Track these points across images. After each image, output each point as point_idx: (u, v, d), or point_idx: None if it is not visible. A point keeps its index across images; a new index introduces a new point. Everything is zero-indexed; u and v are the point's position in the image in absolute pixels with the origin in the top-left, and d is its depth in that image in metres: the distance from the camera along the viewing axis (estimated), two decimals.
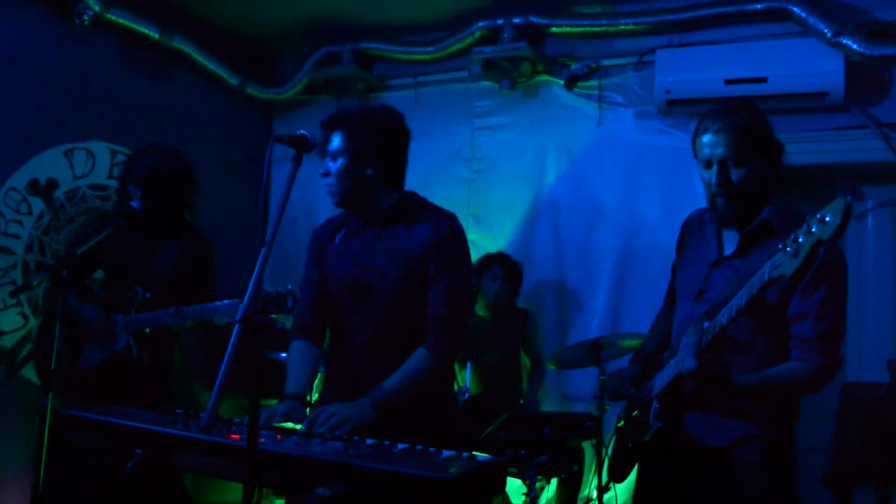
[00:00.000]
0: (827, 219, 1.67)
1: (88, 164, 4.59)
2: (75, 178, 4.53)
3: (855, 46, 3.90)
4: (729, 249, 2.26)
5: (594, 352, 3.80)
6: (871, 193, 4.37)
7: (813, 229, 1.69)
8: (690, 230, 2.48)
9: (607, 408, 3.74)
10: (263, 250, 1.75)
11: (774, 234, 2.14)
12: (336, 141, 2.40)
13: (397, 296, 2.39)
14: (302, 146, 2.01)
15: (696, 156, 2.29)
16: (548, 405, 4.66)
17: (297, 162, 2.01)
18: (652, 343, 2.60)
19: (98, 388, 3.25)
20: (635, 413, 2.44)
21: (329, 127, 2.42)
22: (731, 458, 2.17)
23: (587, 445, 4.04)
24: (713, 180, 2.17)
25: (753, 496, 2.14)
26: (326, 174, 2.41)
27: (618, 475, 2.52)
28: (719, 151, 2.16)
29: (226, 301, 3.00)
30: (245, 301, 1.61)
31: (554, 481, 3.96)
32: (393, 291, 2.39)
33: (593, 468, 3.92)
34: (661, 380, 2.27)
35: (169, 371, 3.41)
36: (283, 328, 1.68)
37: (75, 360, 3.29)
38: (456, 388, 4.22)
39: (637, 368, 2.50)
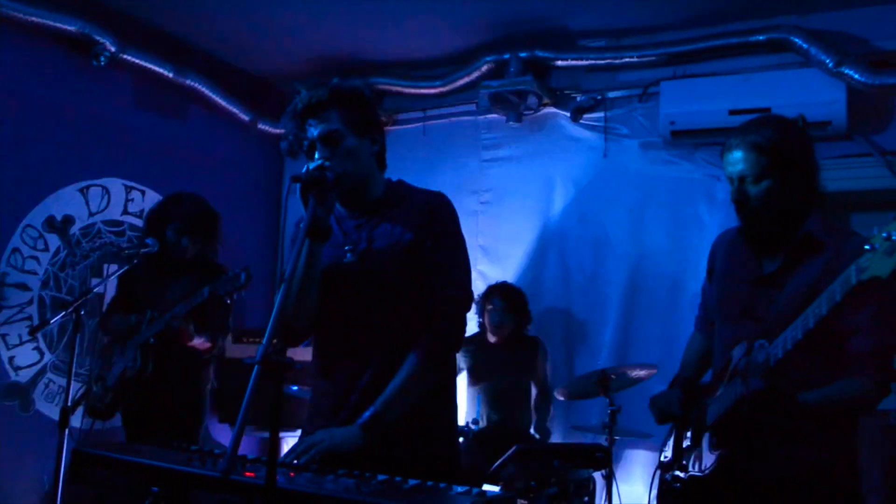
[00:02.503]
0: None
1: (104, 201, 4.68)
2: (91, 214, 4.61)
3: (857, 76, 3.96)
4: (769, 266, 2.21)
5: (603, 382, 3.82)
6: (876, 220, 4.38)
7: None
8: (722, 250, 2.42)
9: (616, 438, 3.75)
10: (283, 286, 1.77)
11: (820, 249, 2.11)
12: (333, 120, 2.12)
13: (388, 291, 2.15)
14: (321, 183, 2.01)
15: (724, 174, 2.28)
16: (555, 435, 4.67)
17: (319, 199, 1.99)
18: (688, 369, 2.53)
19: (115, 403, 3.51)
20: (686, 444, 2.35)
21: (316, 110, 2.13)
22: (794, 487, 2.07)
23: (597, 476, 4.05)
24: (734, 197, 2.18)
25: None
26: (328, 159, 2.06)
27: None
28: (737, 169, 2.17)
29: (206, 289, 3.26)
30: (264, 341, 1.65)
31: None
32: (383, 286, 2.15)
33: (603, 499, 3.92)
34: (716, 407, 2.17)
35: (179, 388, 3.55)
36: (303, 367, 1.72)
37: (105, 381, 3.55)
38: (466, 420, 4.25)
39: (679, 392, 2.41)
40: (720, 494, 2.19)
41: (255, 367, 1.65)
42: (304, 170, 1.99)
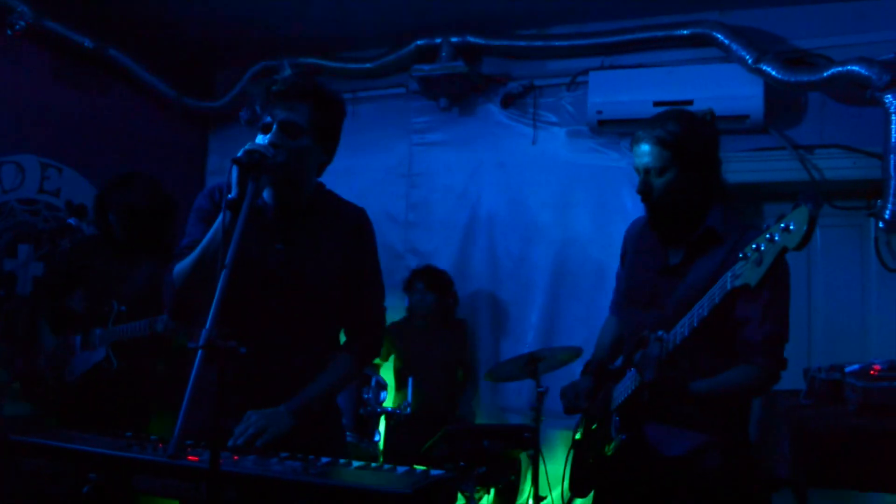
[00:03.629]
0: (791, 227, 1.70)
1: (18, 178, 4.48)
2: (4, 192, 4.41)
3: (774, 73, 4.14)
4: (674, 258, 2.33)
5: (531, 365, 3.90)
6: (786, 210, 4.62)
7: (776, 238, 1.73)
8: (634, 238, 2.54)
9: (542, 419, 3.85)
10: (224, 272, 1.76)
11: (720, 241, 2.23)
12: (302, 113, 2.12)
13: (313, 292, 2.22)
14: (258, 167, 2.00)
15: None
16: (482, 417, 4.76)
17: (256, 181, 1.99)
18: (601, 353, 2.65)
19: (79, 400, 3.34)
20: (594, 426, 2.47)
21: (293, 96, 2.12)
22: (691, 467, 2.21)
23: (523, 456, 4.15)
24: (639, 188, 2.30)
25: (716, 502, 2.20)
26: (277, 146, 2.06)
27: (581, 490, 2.53)
28: (643, 161, 2.28)
29: None
30: (207, 326, 1.63)
31: (492, 491, 4.05)
32: (310, 287, 2.21)
33: (529, 478, 4.03)
34: (620, 392, 2.30)
35: (148, 384, 3.42)
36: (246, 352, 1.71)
37: (61, 375, 3.37)
38: (398, 403, 4.28)
39: (590, 380, 2.53)
40: (624, 473, 2.33)
41: (199, 351, 1.64)
42: (243, 151, 1.95)
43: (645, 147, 2.27)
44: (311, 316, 2.24)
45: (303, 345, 2.23)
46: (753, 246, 1.79)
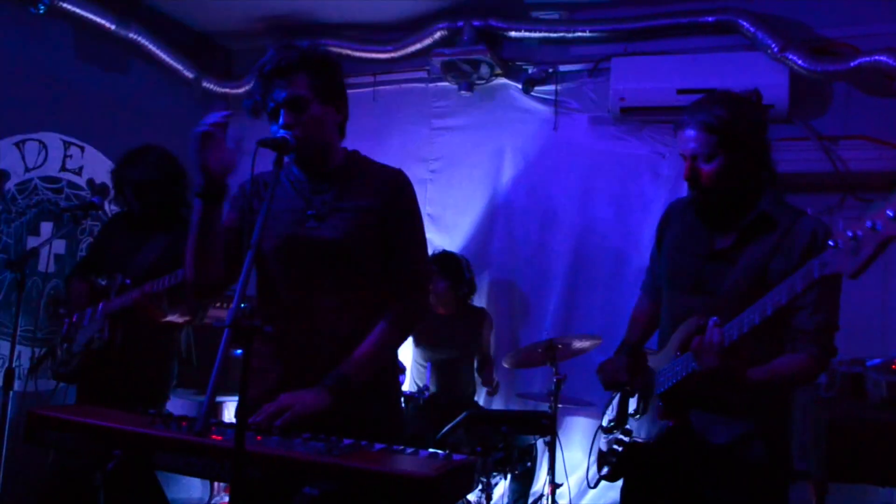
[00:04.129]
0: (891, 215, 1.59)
1: (41, 156, 4.51)
2: (27, 169, 4.44)
3: (799, 62, 4.09)
4: (720, 242, 2.26)
5: (549, 352, 3.90)
6: (810, 202, 4.58)
7: (879, 227, 1.62)
8: (673, 220, 2.47)
9: (560, 406, 3.85)
10: (250, 253, 1.76)
11: (773, 227, 2.16)
12: (301, 84, 2.09)
13: (351, 259, 2.17)
14: (284, 149, 2.03)
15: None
16: (501, 403, 4.76)
17: (279, 165, 2.01)
18: (635, 334, 2.59)
19: (81, 371, 3.28)
20: (632, 412, 2.42)
21: (285, 73, 2.09)
22: (736, 456, 2.18)
23: (540, 442, 4.16)
24: (686, 175, 2.22)
25: (759, 492, 2.16)
26: (290, 125, 2.07)
27: (613, 474, 2.47)
28: (689, 147, 2.21)
29: (180, 271, 3.02)
30: (233, 305, 1.64)
31: (509, 477, 4.06)
32: (347, 254, 2.16)
33: (545, 464, 4.04)
34: (668, 377, 2.23)
35: (148, 359, 3.32)
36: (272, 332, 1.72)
37: (70, 347, 3.34)
38: (417, 387, 4.30)
39: (626, 360, 2.46)
40: (663, 460, 2.28)
41: (226, 330, 1.65)
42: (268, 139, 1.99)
43: (691, 133, 2.20)
44: (353, 283, 2.18)
45: (347, 313, 2.17)
46: (849, 234, 1.68)
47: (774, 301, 1.89)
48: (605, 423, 2.61)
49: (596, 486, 2.66)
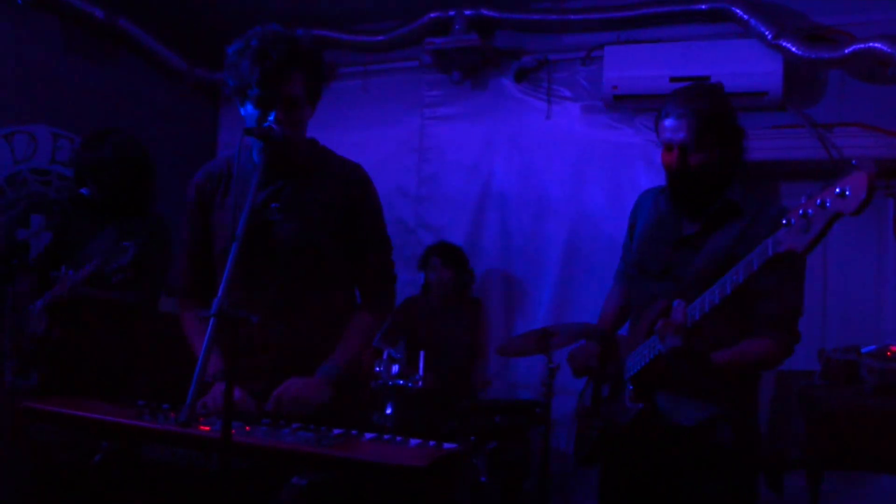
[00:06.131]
0: (847, 193, 1.64)
1: (30, 149, 4.47)
2: (16, 162, 4.40)
3: (793, 49, 4.07)
4: (689, 228, 2.31)
5: (543, 340, 3.87)
6: (804, 189, 4.55)
7: (828, 204, 1.67)
8: (645, 208, 2.51)
9: (554, 395, 3.83)
10: (235, 245, 1.74)
11: (739, 214, 2.22)
12: (297, 83, 2.10)
13: (314, 252, 2.20)
14: (270, 139, 2.01)
15: (658, 137, 2.33)
16: (494, 393, 4.75)
17: (267, 154, 2.00)
18: (606, 322, 2.63)
19: (36, 365, 3.16)
20: (605, 395, 2.45)
21: (282, 69, 2.06)
22: (704, 438, 2.22)
23: (534, 432, 4.14)
24: (673, 164, 2.25)
25: (727, 476, 2.20)
26: (280, 122, 2.05)
27: (589, 460, 2.52)
28: (680, 136, 2.22)
29: (87, 266, 2.92)
30: (219, 295, 1.62)
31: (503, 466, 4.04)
32: (309, 248, 2.19)
33: (540, 453, 4.02)
34: (635, 361, 2.27)
35: (106, 351, 3.19)
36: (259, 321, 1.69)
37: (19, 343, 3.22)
38: (408, 377, 4.27)
39: (596, 346, 2.49)
40: (635, 442, 2.32)
41: (211, 319, 1.63)
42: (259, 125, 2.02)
43: (675, 122, 2.24)
44: (320, 276, 2.22)
45: (317, 306, 2.22)
46: (800, 213, 1.72)
47: (733, 280, 1.93)
48: (579, 409, 2.64)
49: (575, 471, 2.72)
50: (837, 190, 1.65)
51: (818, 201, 1.69)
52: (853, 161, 1.66)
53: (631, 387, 2.29)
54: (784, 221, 1.77)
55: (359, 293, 2.39)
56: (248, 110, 2.12)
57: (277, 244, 2.18)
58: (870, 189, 1.61)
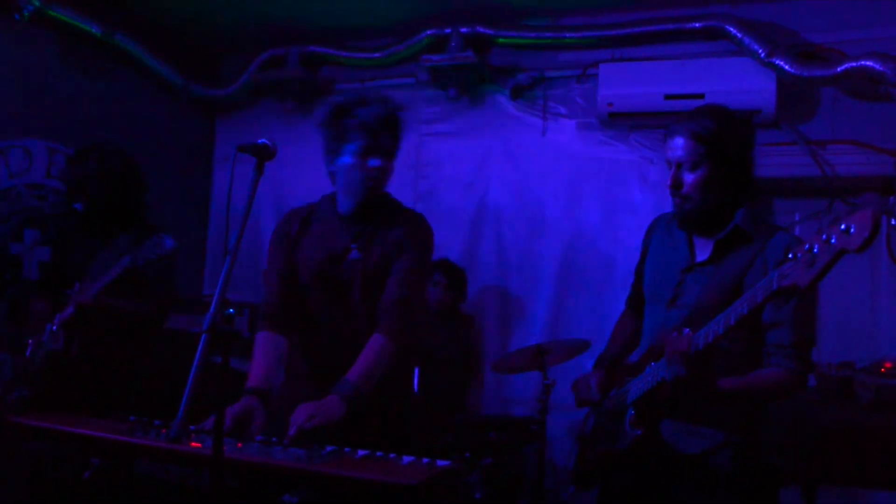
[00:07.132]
0: (852, 230, 1.64)
1: (25, 163, 4.47)
2: (11, 176, 4.40)
3: (786, 67, 4.09)
4: (701, 255, 2.30)
5: (538, 357, 3.88)
6: (798, 206, 4.59)
7: (833, 241, 1.68)
8: (657, 233, 2.50)
9: (549, 411, 3.83)
10: (228, 259, 1.75)
11: (748, 241, 2.20)
12: (389, 139, 2.51)
13: (372, 289, 2.46)
14: (264, 155, 2.02)
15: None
16: (490, 408, 4.74)
17: (259, 171, 2.01)
18: (615, 348, 2.61)
19: (43, 384, 3.13)
20: (606, 421, 2.43)
21: (389, 125, 2.51)
22: (705, 465, 2.19)
23: (529, 448, 4.13)
24: (670, 182, 2.26)
25: (726, 498, 2.17)
26: (383, 171, 2.49)
27: (587, 483, 2.50)
28: (675, 155, 2.24)
29: (114, 268, 2.90)
30: (211, 310, 1.62)
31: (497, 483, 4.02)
32: (369, 285, 2.46)
33: (535, 469, 4.01)
34: (638, 387, 2.26)
35: (108, 368, 3.16)
36: (249, 338, 1.69)
37: (23, 354, 3.20)
38: None
39: (602, 374, 2.48)
40: (636, 469, 2.30)
41: (203, 336, 1.63)
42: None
43: (679, 141, 2.24)
44: (373, 308, 2.47)
45: (367, 337, 2.41)
46: (806, 247, 1.74)
47: (737, 312, 1.93)
48: (582, 433, 2.62)
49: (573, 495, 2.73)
50: (843, 227, 1.65)
51: (824, 237, 1.70)
52: (862, 197, 1.68)
53: (632, 412, 2.28)
54: (791, 255, 1.78)
55: (379, 317, 2.48)
56: (345, 160, 2.49)
57: (351, 280, 2.49)
58: (874, 227, 1.62)
